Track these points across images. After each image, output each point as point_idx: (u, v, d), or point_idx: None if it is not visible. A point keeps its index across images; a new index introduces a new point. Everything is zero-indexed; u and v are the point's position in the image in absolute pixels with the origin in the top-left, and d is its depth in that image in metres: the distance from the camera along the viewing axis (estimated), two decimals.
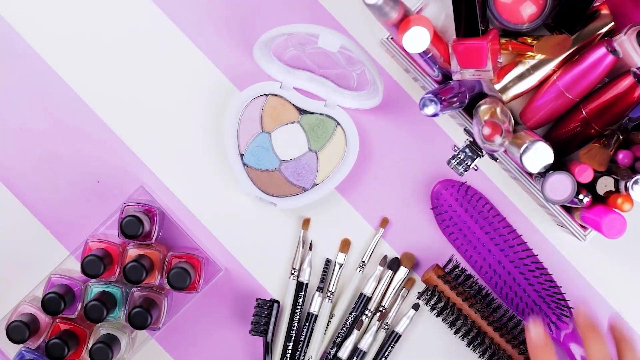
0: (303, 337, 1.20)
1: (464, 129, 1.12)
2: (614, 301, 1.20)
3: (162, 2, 1.20)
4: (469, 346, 1.16)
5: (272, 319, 1.18)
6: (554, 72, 1.10)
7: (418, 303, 1.19)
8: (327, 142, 1.18)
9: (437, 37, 1.05)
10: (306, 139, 1.18)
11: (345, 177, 1.18)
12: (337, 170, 1.18)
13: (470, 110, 1.09)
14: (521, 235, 1.18)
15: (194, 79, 1.20)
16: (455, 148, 1.09)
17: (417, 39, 0.97)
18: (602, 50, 1.05)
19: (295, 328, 1.20)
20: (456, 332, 1.16)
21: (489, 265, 1.16)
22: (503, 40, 1.08)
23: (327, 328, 1.20)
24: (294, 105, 1.18)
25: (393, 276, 1.19)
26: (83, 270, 1.11)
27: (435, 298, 1.16)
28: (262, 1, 1.19)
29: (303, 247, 1.20)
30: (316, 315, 1.19)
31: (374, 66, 1.11)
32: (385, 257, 1.20)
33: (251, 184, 1.18)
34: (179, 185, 1.21)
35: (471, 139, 1.08)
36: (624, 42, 1.05)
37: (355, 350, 1.19)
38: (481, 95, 1.11)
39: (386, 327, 1.19)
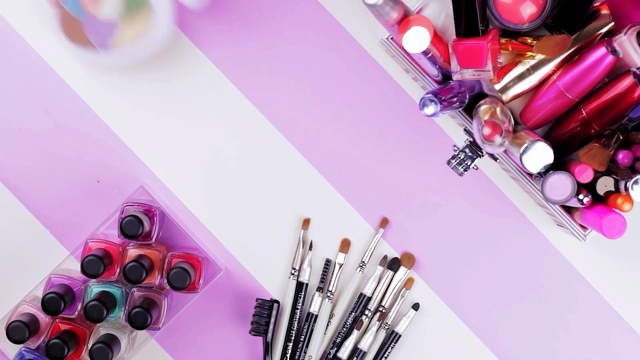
0: (303, 337, 1.20)
1: (464, 129, 1.12)
2: (614, 301, 1.20)
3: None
4: None
5: (272, 319, 1.18)
6: (554, 72, 1.10)
7: (418, 303, 1.19)
8: (135, 13, 1.15)
9: (437, 37, 1.05)
10: (117, 2, 1.15)
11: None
12: (135, 44, 1.15)
13: (470, 110, 1.09)
14: None
15: (194, 80, 1.20)
16: (455, 148, 1.09)
17: (417, 39, 0.97)
18: (602, 50, 1.05)
19: (295, 328, 1.20)
20: None
21: None
22: (503, 40, 1.08)
23: (327, 328, 1.20)
24: None
25: (393, 276, 1.19)
26: (83, 270, 1.11)
27: None
28: (262, 1, 1.19)
29: (303, 247, 1.20)
30: (316, 315, 1.19)
31: None
32: (385, 257, 1.20)
33: (58, 25, 1.15)
34: (179, 185, 1.21)
35: (471, 139, 1.08)
36: (624, 42, 1.05)
37: (355, 350, 1.19)
38: (481, 95, 1.11)
39: (386, 327, 1.19)
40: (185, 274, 1.12)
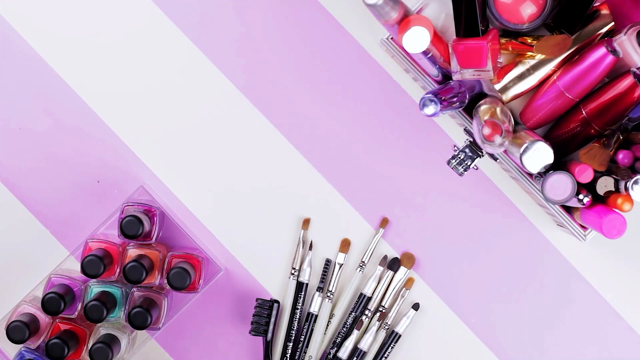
0: (303, 337, 1.20)
1: (464, 129, 1.12)
2: (614, 301, 1.20)
3: (162, 1, 1.20)
4: None
5: (272, 319, 1.18)
6: (554, 72, 1.10)
7: (418, 303, 1.19)
8: None
9: (437, 37, 1.05)
10: None
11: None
12: None
13: (470, 110, 1.09)
14: None
15: (194, 80, 1.20)
16: (455, 148, 1.09)
17: (417, 39, 0.97)
18: (602, 50, 1.05)
19: (295, 328, 1.20)
20: None
21: None
22: (503, 40, 1.08)
23: (327, 328, 1.20)
24: None
25: (393, 276, 1.19)
26: (83, 270, 1.11)
27: None
28: (263, 0, 1.19)
29: (303, 247, 1.20)
30: (316, 315, 1.19)
31: None
32: (385, 257, 1.20)
33: None
34: (179, 185, 1.21)
35: (471, 139, 1.08)
36: (624, 42, 1.05)
37: (355, 350, 1.19)
38: (481, 95, 1.11)
39: (386, 327, 1.19)
40: (185, 274, 1.12)
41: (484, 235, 1.20)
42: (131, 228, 1.12)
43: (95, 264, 1.11)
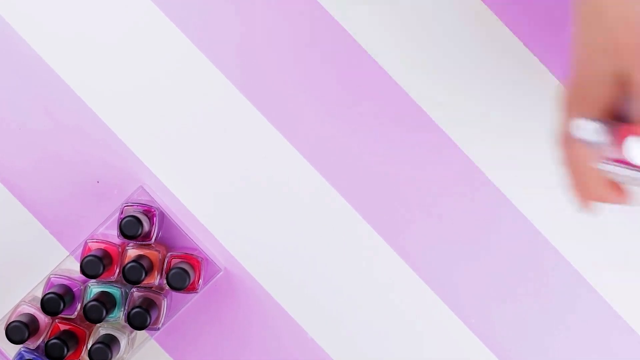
0: None
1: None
2: (614, 301, 1.20)
3: (162, 1, 1.20)
4: None
5: None
6: None
7: None
8: None
9: None
10: None
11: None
12: None
13: None
14: None
15: (194, 79, 1.20)
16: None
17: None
18: None
19: None
20: None
21: None
22: None
23: None
24: None
25: None
26: (82, 271, 1.11)
27: None
28: (264, 1, 1.19)
29: None
30: None
31: None
32: None
33: None
34: (179, 185, 1.21)
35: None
36: None
37: None
38: None
39: None
40: (185, 275, 1.12)
41: (484, 235, 1.20)
42: (131, 228, 1.13)
43: (94, 264, 1.11)
